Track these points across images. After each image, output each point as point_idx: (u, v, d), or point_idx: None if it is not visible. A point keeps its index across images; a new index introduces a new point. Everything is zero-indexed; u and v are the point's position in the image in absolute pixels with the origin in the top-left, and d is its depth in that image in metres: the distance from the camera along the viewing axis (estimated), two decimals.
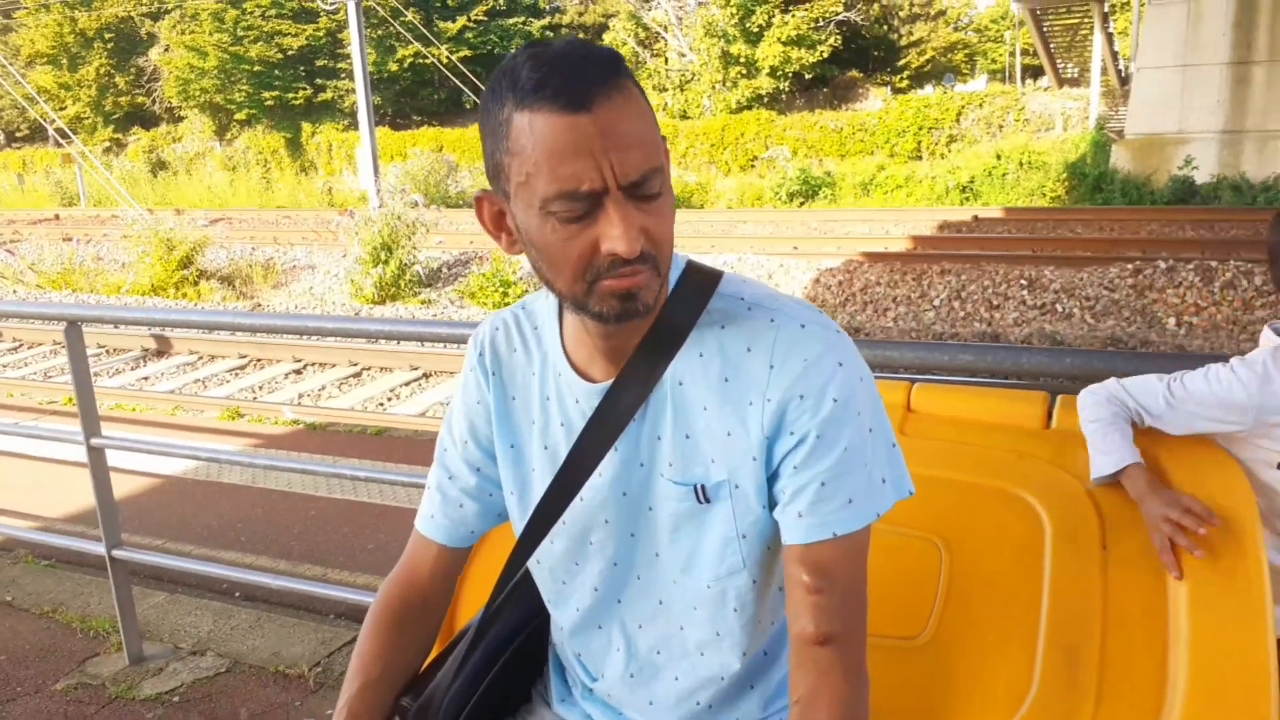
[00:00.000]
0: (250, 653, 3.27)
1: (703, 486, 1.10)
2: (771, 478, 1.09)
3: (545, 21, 32.95)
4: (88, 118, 34.78)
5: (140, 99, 35.15)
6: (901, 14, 31.99)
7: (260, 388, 8.33)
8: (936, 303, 10.02)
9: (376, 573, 4.23)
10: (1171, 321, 8.86)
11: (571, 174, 0.93)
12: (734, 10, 26.49)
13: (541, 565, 1.25)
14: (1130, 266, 9.79)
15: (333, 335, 2.77)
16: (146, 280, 13.13)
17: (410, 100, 32.34)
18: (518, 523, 1.24)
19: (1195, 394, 1.58)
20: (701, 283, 1.13)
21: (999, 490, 1.62)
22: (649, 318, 1.08)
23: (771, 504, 1.10)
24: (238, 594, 3.94)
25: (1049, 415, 1.79)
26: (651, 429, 1.12)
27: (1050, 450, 1.70)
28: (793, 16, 26.36)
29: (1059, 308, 9.45)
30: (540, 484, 1.19)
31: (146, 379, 8.85)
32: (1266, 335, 1.65)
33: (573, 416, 1.16)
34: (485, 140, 1.02)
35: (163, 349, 9.63)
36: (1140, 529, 1.50)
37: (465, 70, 19.89)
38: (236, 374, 8.82)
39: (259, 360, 9.02)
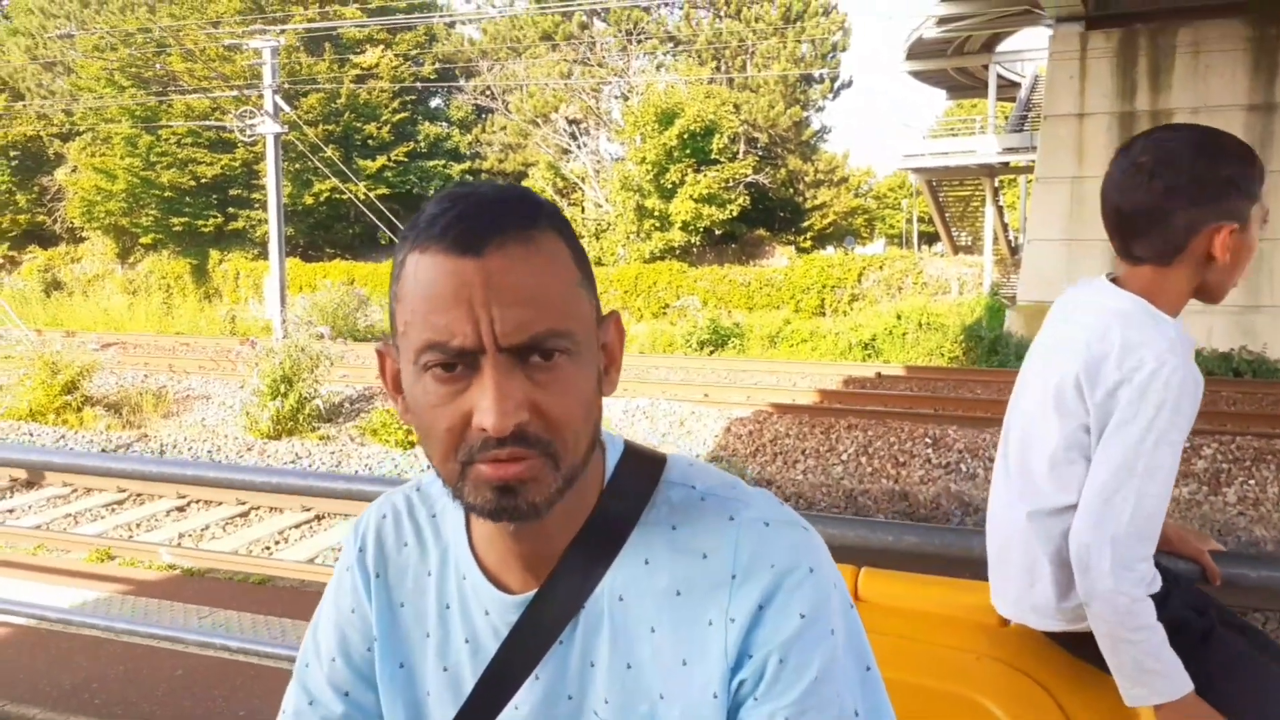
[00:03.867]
0: None
1: None
2: (731, 714, 0.89)
3: (466, 166, 33.61)
4: None
5: (40, 217, 34.28)
6: (807, 179, 33.66)
7: (138, 525, 7.77)
8: (844, 457, 10.06)
9: None
10: None
11: (445, 325, 0.78)
12: (649, 167, 27.49)
13: None
14: None
15: (212, 485, 2.53)
16: (24, 404, 12.39)
17: (324, 233, 32.27)
18: None
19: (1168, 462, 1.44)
20: (644, 470, 0.94)
21: (957, 696, 1.47)
22: (575, 513, 0.90)
23: None
24: None
25: None
26: (583, 653, 0.91)
27: (1008, 651, 1.56)
28: (705, 176, 27.47)
29: (963, 467, 9.57)
30: (440, 714, 0.97)
31: (11, 512, 8.18)
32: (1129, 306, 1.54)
33: (480, 632, 0.94)
34: (390, 289, 0.88)
35: (34, 479, 8.97)
36: None
37: (382, 207, 19.93)
38: (113, 509, 8.23)
39: (139, 496, 8.46)
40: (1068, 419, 1.53)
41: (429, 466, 0.89)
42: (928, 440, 10.10)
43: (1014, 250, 25.37)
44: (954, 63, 23.78)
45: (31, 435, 11.17)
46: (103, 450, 10.38)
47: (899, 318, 19.23)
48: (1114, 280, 1.60)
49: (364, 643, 1.01)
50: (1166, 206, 1.51)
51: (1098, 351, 1.49)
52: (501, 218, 0.80)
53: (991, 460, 9.60)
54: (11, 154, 33.31)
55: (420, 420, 0.83)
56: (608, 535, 0.91)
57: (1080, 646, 1.56)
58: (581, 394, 0.83)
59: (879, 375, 15.07)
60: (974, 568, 2.02)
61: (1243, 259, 1.53)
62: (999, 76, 24.25)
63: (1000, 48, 23.63)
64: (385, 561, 1.01)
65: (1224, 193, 1.48)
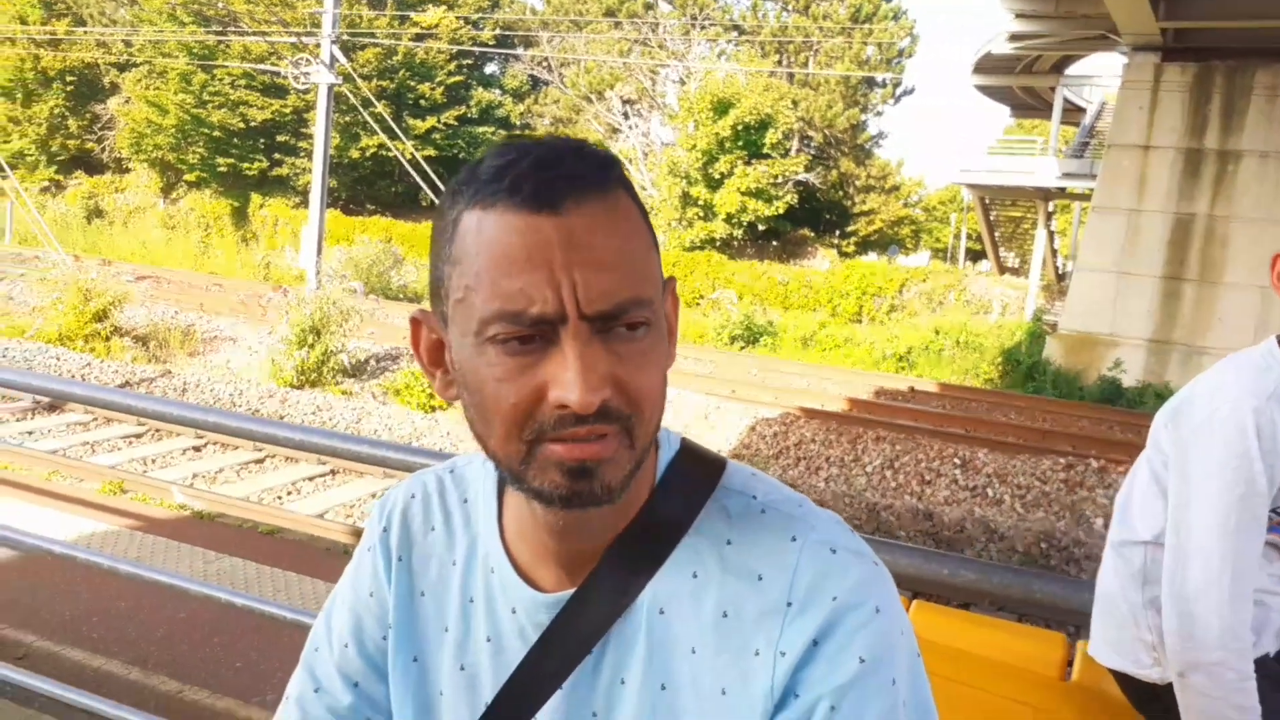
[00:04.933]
0: None
1: None
2: None
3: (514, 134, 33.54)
4: (31, 155, 33.95)
5: (90, 145, 34.56)
6: (858, 183, 33.31)
7: (153, 460, 7.74)
8: (869, 469, 9.89)
9: (240, 696, 3.73)
10: (1099, 522, 8.81)
11: (520, 290, 0.69)
12: (699, 155, 27.27)
13: None
14: (1063, 461, 9.81)
15: (233, 435, 2.43)
16: (54, 328, 12.44)
17: (366, 188, 32.31)
18: None
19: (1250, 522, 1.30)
20: (701, 472, 0.84)
21: None
22: (621, 510, 0.80)
23: None
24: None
25: (1068, 663, 1.51)
26: (615, 668, 0.81)
27: (1071, 710, 1.42)
28: (754, 170, 27.19)
29: (990, 492, 9.37)
30: (452, 717, 0.87)
31: (30, 434, 8.18)
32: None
33: (505, 631, 0.85)
34: (432, 250, 0.78)
35: (56, 404, 8.98)
36: None
37: (428, 168, 19.87)
38: (130, 442, 8.21)
39: (157, 431, 8.43)
40: (1155, 454, 1.46)
41: (466, 456, 0.77)
42: (956, 461, 9.90)
43: (1061, 277, 24.97)
44: (1021, 81, 23.34)
45: (58, 359, 11.20)
46: (125, 383, 10.39)
47: (937, 333, 18.95)
48: None
49: (379, 630, 0.92)
50: None
51: (1196, 389, 1.40)
52: (577, 172, 0.71)
53: (1019, 487, 9.39)
54: (68, 79, 33.55)
55: (480, 396, 0.73)
56: (655, 540, 0.81)
57: (1141, 701, 1.47)
58: (661, 367, 0.75)
59: (912, 389, 14.84)
60: (1033, 611, 1.89)
61: None
62: (1065, 100, 23.79)
63: (1070, 70, 23.18)
64: (410, 545, 0.92)
65: None
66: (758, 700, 0.77)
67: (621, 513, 0.81)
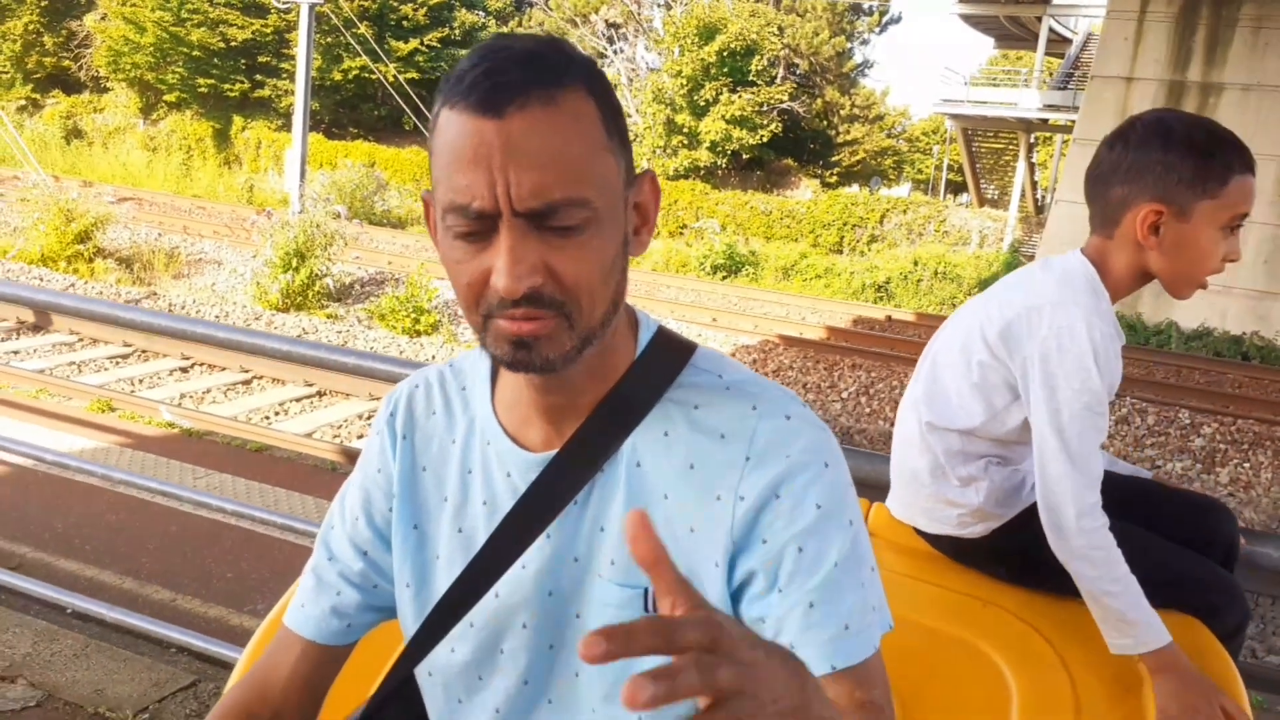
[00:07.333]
0: (69, 686, 2.88)
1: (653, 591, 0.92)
2: (737, 595, 0.92)
3: None
4: (6, 73, 33.10)
5: (66, 62, 33.69)
6: (842, 112, 33.02)
7: (140, 381, 7.80)
8: (845, 395, 10.05)
9: (232, 605, 3.86)
10: None
11: (466, 186, 0.81)
12: (684, 81, 26.93)
13: (434, 678, 1.03)
14: None
15: (221, 346, 2.49)
16: (36, 249, 12.36)
17: (349, 112, 31.77)
18: (410, 624, 1.02)
19: (1088, 425, 1.47)
20: (673, 352, 0.98)
21: (962, 642, 1.45)
22: (600, 379, 0.94)
23: None
24: (69, 610, 3.52)
25: None
26: (595, 516, 0.94)
27: (1018, 603, 1.55)
28: (739, 97, 26.90)
29: None
30: (446, 576, 1.00)
31: (16, 353, 8.20)
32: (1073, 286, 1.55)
33: (500, 493, 0.97)
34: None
35: (41, 324, 8.98)
36: (1121, 706, 1.34)
37: (410, 91, 19.59)
38: (117, 363, 8.25)
39: (144, 352, 8.47)
40: (990, 362, 1.59)
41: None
42: None
43: (1040, 209, 25.03)
44: (1007, 10, 23.08)
45: (41, 280, 11.16)
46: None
47: (916, 263, 19.04)
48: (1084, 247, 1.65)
49: (386, 502, 1.04)
50: (1110, 178, 1.56)
51: (1032, 303, 1.53)
52: (527, 76, 0.80)
53: None
54: None
55: (449, 275, 0.87)
56: (631, 405, 0.94)
57: (962, 553, 1.64)
58: (600, 259, 0.85)
59: (889, 319, 14.98)
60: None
61: (1187, 253, 1.52)
62: (1051, 30, 23.56)
63: (1056, 0, 22.94)
64: (413, 426, 1.04)
65: (1158, 176, 1.50)
66: (721, 536, 0.90)
67: (603, 380, 0.94)
